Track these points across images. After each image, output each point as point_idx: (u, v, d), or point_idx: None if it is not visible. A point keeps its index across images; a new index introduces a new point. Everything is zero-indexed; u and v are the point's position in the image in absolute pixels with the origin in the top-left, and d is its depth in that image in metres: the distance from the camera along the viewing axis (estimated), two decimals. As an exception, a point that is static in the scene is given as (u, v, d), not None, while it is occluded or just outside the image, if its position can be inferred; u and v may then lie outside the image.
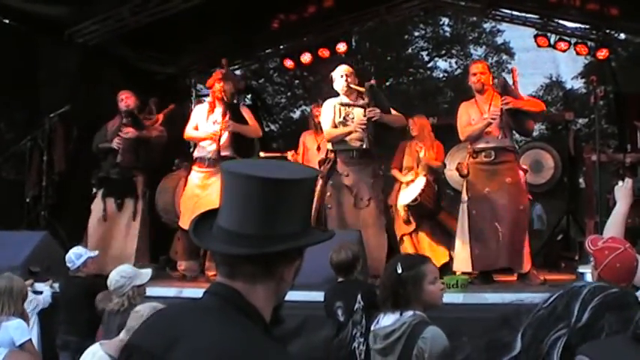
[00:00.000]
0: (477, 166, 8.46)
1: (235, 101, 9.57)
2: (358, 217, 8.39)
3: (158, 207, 9.97)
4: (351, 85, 8.54)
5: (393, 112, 8.65)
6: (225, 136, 8.95)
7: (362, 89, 8.48)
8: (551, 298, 1.66)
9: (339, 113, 8.58)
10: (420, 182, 9.51)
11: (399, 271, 4.07)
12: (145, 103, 9.94)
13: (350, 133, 8.45)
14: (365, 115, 8.32)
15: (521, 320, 1.65)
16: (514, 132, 8.63)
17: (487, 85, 8.51)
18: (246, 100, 18.27)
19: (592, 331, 1.57)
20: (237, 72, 15.69)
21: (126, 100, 9.56)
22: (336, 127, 8.57)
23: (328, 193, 8.50)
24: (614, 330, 1.56)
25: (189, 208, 8.79)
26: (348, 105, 8.55)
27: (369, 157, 8.57)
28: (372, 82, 8.60)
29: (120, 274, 6.34)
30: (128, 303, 6.31)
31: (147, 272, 6.64)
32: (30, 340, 5.91)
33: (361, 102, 8.47)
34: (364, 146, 8.34)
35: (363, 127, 8.31)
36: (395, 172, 9.99)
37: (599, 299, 1.62)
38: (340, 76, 8.62)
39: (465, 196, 8.61)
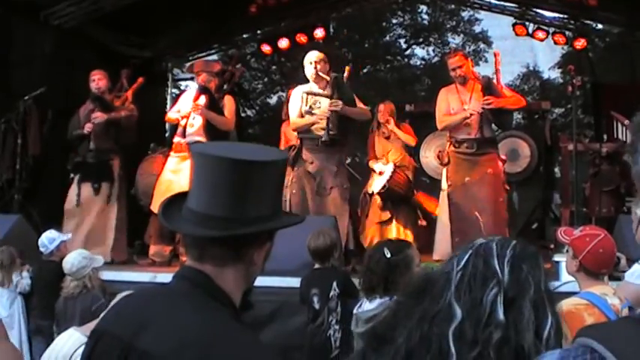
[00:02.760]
0: (459, 155, 8.43)
1: (226, 87, 9.50)
2: (320, 205, 8.38)
3: (138, 190, 9.88)
4: (320, 73, 8.50)
5: (360, 105, 8.63)
6: (198, 120, 8.92)
7: (327, 77, 8.44)
8: (463, 260, 1.76)
9: (305, 102, 8.54)
10: (388, 169, 9.55)
11: (388, 255, 4.06)
12: (116, 81, 9.85)
13: (313, 124, 8.43)
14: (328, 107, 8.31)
15: (442, 288, 1.70)
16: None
17: (468, 75, 8.47)
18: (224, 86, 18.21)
19: (519, 281, 1.72)
20: (214, 56, 15.60)
21: (97, 81, 9.48)
22: (302, 116, 8.53)
23: (292, 179, 8.46)
24: (534, 275, 1.74)
25: (161, 192, 8.76)
26: (314, 94, 8.53)
27: (334, 146, 8.55)
28: (335, 74, 8.54)
29: (81, 255, 6.33)
30: (90, 285, 6.29)
31: (100, 258, 6.69)
32: (0, 320, 5.85)
33: (326, 92, 8.45)
34: (323, 139, 8.31)
35: (325, 118, 8.29)
36: (371, 164, 10.02)
37: (511, 252, 1.76)
38: (309, 62, 8.58)
39: (444, 185, 8.62)
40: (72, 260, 6.25)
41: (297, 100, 8.62)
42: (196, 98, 8.99)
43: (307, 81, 8.68)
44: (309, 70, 8.56)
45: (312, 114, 8.47)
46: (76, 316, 5.94)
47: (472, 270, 1.73)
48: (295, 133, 8.81)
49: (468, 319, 1.67)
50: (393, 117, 10.16)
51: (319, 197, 8.39)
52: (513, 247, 1.79)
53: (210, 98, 9.00)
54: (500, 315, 1.68)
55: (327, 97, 8.37)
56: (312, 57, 8.61)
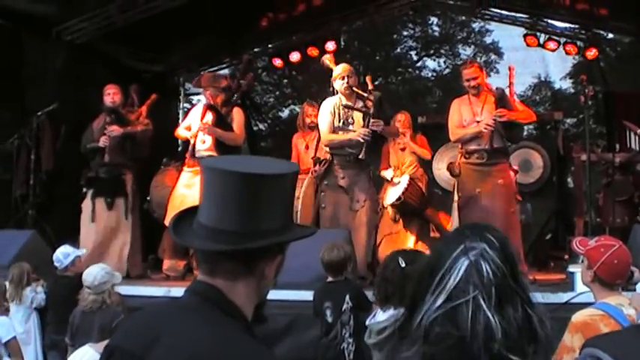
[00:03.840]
0: (469, 166, 8.40)
1: (235, 98, 9.49)
2: (352, 218, 8.36)
3: (153, 202, 9.89)
4: (354, 89, 8.46)
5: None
6: (208, 137, 8.95)
7: (366, 95, 8.41)
8: (492, 298, 1.67)
9: (338, 116, 8.48)
10: (404, 181, 9.51)
11: (403, 265, 4.05)
12: (127, 95, 9.87)
13: (350, 140, 8.40)
14: (365, 125, 8.28)
15: (485, 342, 1.65)
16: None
17: (482, 86, 8.46)
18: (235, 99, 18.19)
19: (527, 292, 1.72)
20: (226, 70, 15.63)
21: (113, 95, 9.49)
22: (334, 131, 8.47)
23: (323, 193, 8.49)
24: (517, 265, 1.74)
25: (175, 206, 8.78)
26: (350, 108, 8.47)
27: (364, 162, 8.53)
28: (379, 93, 8.58)
29: (104, 270, 6.31)
30: (110, 301, 6.28)
31: (118, 274, 6.69)
32: (15, 337, 5.87)
33: (363, 107, 8.42)
34: (360, 156, 8.32)
35: (366, 138, 8.28)
36: (383, 173, 9.98)
37: (501, 256, 1.73)
38: (341, 77, 8.49)
39: (455, 196, 8.59)
40: (94, 274, 6.22)
41: (328, 113, 8.55)
42: (203, 116, 8.99)
43: (321, 95, 8.67)
44: (340, 84, 8.51)
45: (346, 130, 8.46)
46: (93, 331, 5.92)
47: (511, 311, 1.65)
48: (326, 148, 8.77)
49: (494, 310, 1.65)
50: (410, 129, 10.16)
51: (352, 212, 8.38)
52: (500, 246, 1.77)
53: (217, 115, 9.01)
54: (540, 331, 1.67)
55: (363, 112, 8.37)
56: (342, 71, 8.54)
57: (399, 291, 4.03)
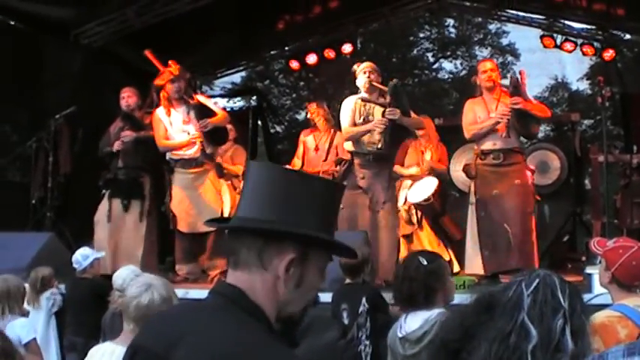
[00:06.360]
0: (485, 167, 8.35)
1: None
2: (373, 220, 8.31)
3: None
4: (374, 83, 8.41)
5: (412, 114, 8.54)
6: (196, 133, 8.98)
7: (385, 88, 8.37)
8: (532, 286, 1.82)
9: (359, 112, 8.43)
10: (433, 182, 9.39)
11: (425, 263, 4.04)
12: (146, 98, 9.84)
13: (369, 131, 8.31)
14: (383, 115, 8.20)
15: (513, 308, 1.78)
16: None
17: (497, 82, 8.44)
18: (252, 101, 18.23)
19: (577, 315, 1.80)
20: (243, 73, 15.69)
21: (127, 98, 9.47)
22: (355, 126, 8.43)
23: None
24: (584, 313, 1.83)
25: (184, 210, 8.83)
26: (369, 102, 8.42)
27: (384, 161, 8.49)
28: (395, 81, 8.49)
29: (134, 273, 6.31)
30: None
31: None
32: (35, 339, 5.89)
33: (382, 101, 8.35)
34: (379, 146, 8.25)
35: (382, 127, 8.19)
36: (397, 168, 9.80)
37: (568, 287, 1.85)
38: (363, 72, 8.49)
39: (472, 198, 8.54)
40: (124, 276, 6.23)
41: (349, 109, 8.52)
42: (199, 118, 8.90)
43: (338, 96, 8.66)
44: (362, 80, 8.47)
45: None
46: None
47: (542, 297, 1.80)
48: (347, 146, 8.75)
49: (541, 342, 1.72)
50: (434, 134, 10.06)
51: (372, 213, 8.34)
52: (568, 284, 1.87)
53: (200, 109, 9.02)
54: (570, 343, 1.75)
55: (382, 105, 8.27)
56: (365, 66, 8.56)
57: (424, 289, 4.01)
